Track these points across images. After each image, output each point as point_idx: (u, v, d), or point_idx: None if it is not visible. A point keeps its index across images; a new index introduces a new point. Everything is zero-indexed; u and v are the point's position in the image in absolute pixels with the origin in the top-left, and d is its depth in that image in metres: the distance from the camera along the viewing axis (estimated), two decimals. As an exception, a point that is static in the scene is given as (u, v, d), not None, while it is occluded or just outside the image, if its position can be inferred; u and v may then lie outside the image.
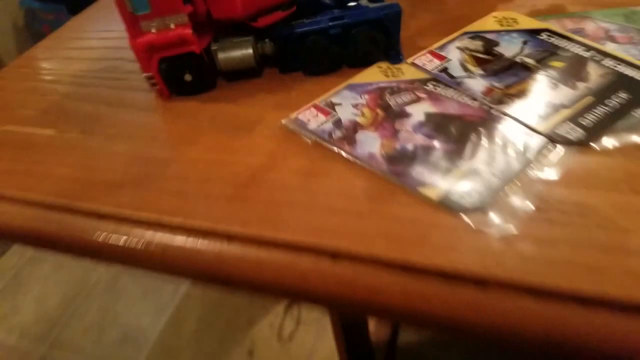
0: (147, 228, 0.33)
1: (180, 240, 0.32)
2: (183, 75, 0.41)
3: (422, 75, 0.41)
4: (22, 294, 1.51)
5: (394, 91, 0.39)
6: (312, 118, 0.38)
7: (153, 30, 0.38)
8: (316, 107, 0.39)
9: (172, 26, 0.38)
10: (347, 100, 0.39)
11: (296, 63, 0.44)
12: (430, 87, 0.39)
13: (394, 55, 0.44)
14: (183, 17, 0.38)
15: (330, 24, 0.42)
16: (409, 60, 0.42)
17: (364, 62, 0.43)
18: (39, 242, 0.37)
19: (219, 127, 0.40)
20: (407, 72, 0.41)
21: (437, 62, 0.41)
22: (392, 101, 0.38)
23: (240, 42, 0.42)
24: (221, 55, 0.42)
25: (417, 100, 0.38)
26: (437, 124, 0.36)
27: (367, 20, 0.42)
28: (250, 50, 0.42)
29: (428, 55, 0.42)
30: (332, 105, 0.39)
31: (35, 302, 1.47)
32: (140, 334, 1.32)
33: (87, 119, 0.43)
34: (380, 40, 0.43)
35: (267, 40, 0.43)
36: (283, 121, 0.38)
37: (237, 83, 0.44)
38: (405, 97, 0.39)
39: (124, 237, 0.33)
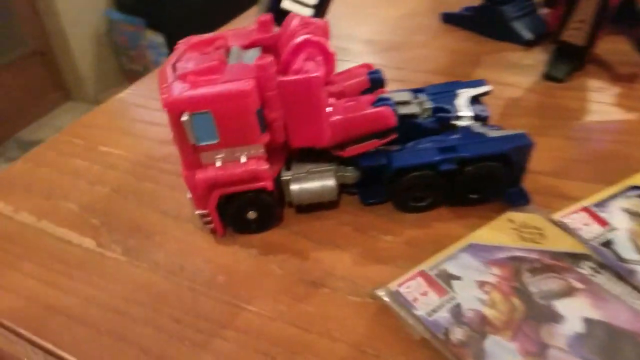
0: None
1: None
2: (246, 213, 0.32)
3: (574, 246, 0.30)
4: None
5: (535, 268, 0.29)
6: (419, 295, 0.28)
7: (217, 162, 0.30)
8: (423, 275, 0.29)
9: (243, 159, 0.30)
10: (469, 273, 0.29)
11: (386, 195, 0.34)
12: (587, 270, 0.28)
13: (515, 195, 0.33)
14: (258, 148, 0.30)
15: (440, 157, 0.32)
16: (556, 216, 0.32)
17: (474, 202, 0.33)
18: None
19: (289, 278, 0.30)
20: (551, 234, 0.31)
21: (596, 227, 0.31)
22: (533, 287, 0.28)
23: (319, 171, 0.33)
24: (294, 187, 0.33)
25: (570, 292, 0.27)
26: (603, 343, 0.25)
27: (489, 155, 0.32)
28: (333, 182, 0.33)
29: (582, 213, 0.32)
30: (448, 278, 0.29)
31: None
32: None
33: (135, 232, 0.35)
34: (501, 178, 0.33)
35: (350, 167, 0.33)
36: (378, 292, 0.28)
37: (309, 214, 0.35)
38: (553, 283, 0.28)
39: None
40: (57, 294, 0.31)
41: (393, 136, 0.32)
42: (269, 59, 0.28)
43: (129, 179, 0.40)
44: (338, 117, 0.31)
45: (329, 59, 0.31)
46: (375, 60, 0.53)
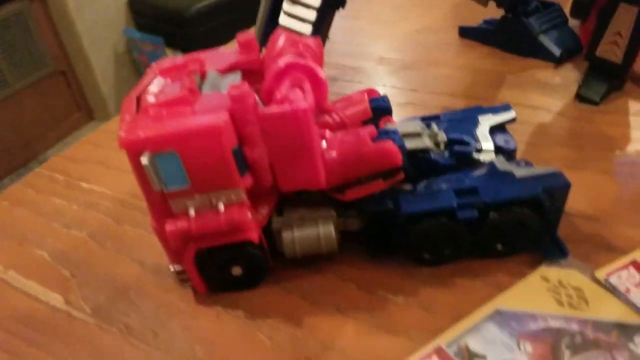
0: None
1: None
2: (230, 269, 0.28)
3: (623, 314, 0.24)
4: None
5: (577, 344, 0.23)
6: (434, 380, 0.23)
7: (191, 211, 0.25)
8: (440, 354, 0.24)
9: (221, 206, 0.25)
10: (495, 350, 0.24)
11: (395, 245, 0.29)
12: (642, 346, 0.23)
13: (550, 246, 0.28)
14: (238, 193, 0.25)
15: (458, 202, 0.27)
16: (600, 273, 0.26)
17: (501, 254, 0.28)
18: None
19: (279, 353, 0.26)
20: (595, 298, 0.25)
21: (649, 290, 0.25)
22: (577, 370, 0.22)
23: (316, 217, 0.28)
24: (287, 236, 0.28)
25: (624, 377, 0.22)
26: None
27: (517, 199, 0.27)
28: (332, 229, 0.28)
29: (632, 270, 0.26)
30: (470, 357, 0.23)
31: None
32: None
33: (108, 286, 0.31)
34: (532, 226, 0.27)
35: (351, 212, 0.29)
36: (386, 375, 0.23)
37: (304, 267, 0.30)
38: (600, 364, 0.23)
39: None
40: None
41: (400, 177, 0.27)
42: (245, 86, 0.24)
43: (108, 221, 0.36)
44: (334, 154, 0.26)
45: (319, 85, 0.26)
46: (389, 80, 0.49)
